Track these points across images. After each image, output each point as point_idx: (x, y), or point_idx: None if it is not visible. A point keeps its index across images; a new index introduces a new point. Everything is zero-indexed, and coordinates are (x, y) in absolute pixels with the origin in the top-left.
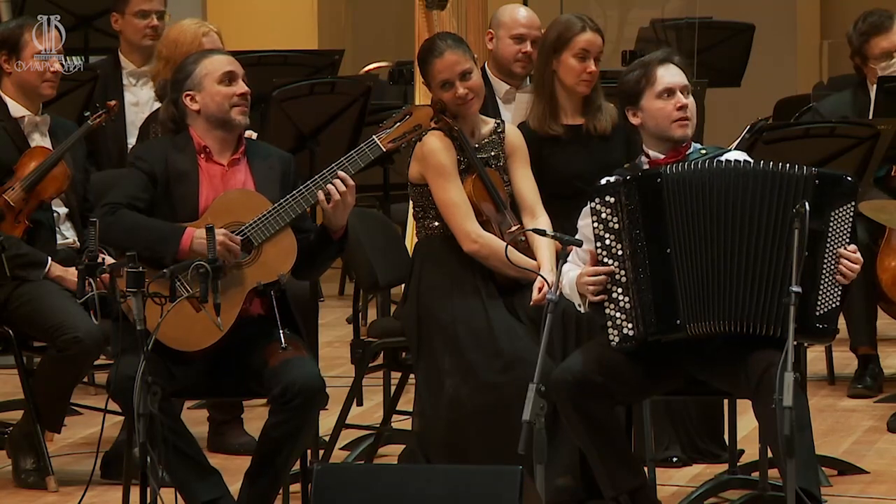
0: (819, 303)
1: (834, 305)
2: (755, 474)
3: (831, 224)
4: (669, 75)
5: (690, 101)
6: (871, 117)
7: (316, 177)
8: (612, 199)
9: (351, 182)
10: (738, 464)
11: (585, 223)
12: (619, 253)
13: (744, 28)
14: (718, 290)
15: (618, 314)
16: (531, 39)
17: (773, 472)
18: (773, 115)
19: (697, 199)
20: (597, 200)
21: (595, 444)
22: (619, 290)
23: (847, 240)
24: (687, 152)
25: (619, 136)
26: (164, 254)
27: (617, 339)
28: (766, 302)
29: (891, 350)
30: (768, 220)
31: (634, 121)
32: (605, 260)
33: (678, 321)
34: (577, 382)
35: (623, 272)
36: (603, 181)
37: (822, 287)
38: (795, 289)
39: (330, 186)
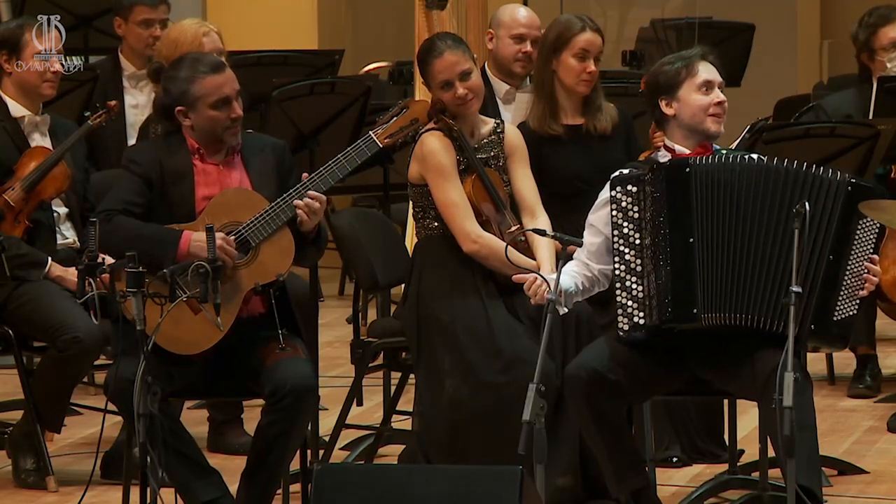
0: (838, 308)
1: (851, 313)
2: (755, 474)
3: (858, 232)
4: (709, 71)
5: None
6: (871, 117)
7: (313, 174)
8: (635, 189)
9: (322, 197)
10: (738, 464)
11: (598, 216)
12: (637, 242)
13: (744, 28)
14: (737, 284)
15: (629, 302)
16: (531, 39)
17: (774, 472)
18: (773, 115)
19: (725, 192)
20: (618, 189)
21: (605, 442)
22: (634, 278)
23: (871, 250)
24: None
25: (619, 136)
26: (162, 259)
27: (627, 327)
28: (783, 299)
29: (890, 350)
30: (795, 220)
31: (668, 111)
32: (621, 249)
33: (695, 310)
34: (591, 379)
35: (639, 261)
36: (625, 171)
37: (842, 293)
38: (795, 289)
39: (302, 204)
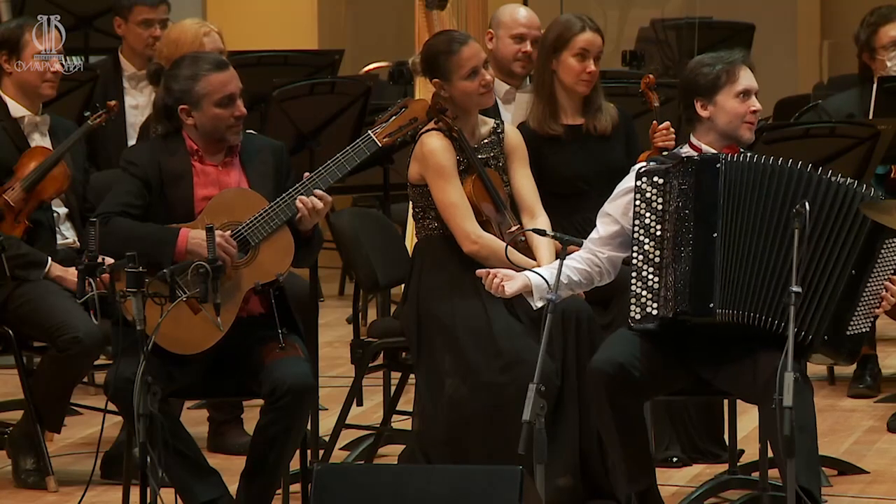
0: (853, 323)
1: (864, 330)
2: (755, 474)
3: (883, 251)
4: (749, 78)
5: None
6: (871, 117)
7: (313, 174)
8: (661, 181)
9: (329, 198)
10: (738, 464)
11: (615, 205)
12: (658, 234)
13: (744, 28)
14: (756, 283)
15: (644, 292)
16: (531, 39)
17: (774, 472)
18: (773, 115)
19: (753, 191)
20: (643, 180)
21: (622, 439)
22: (651, 269)
23: (893, 270)
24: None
25: (619, 136)
26: (160, 258)
27: (639, 316)
28: (799, 304)
29: (890, 350)
30: (822, 230)
31: (702, 113)
32: (641, 239)
33: (711, 304)
34: (618, 375)
35: (658, 252)
36: (651, 163)
37: (859, 309)
38: (795, 289)
39: (307, 202)
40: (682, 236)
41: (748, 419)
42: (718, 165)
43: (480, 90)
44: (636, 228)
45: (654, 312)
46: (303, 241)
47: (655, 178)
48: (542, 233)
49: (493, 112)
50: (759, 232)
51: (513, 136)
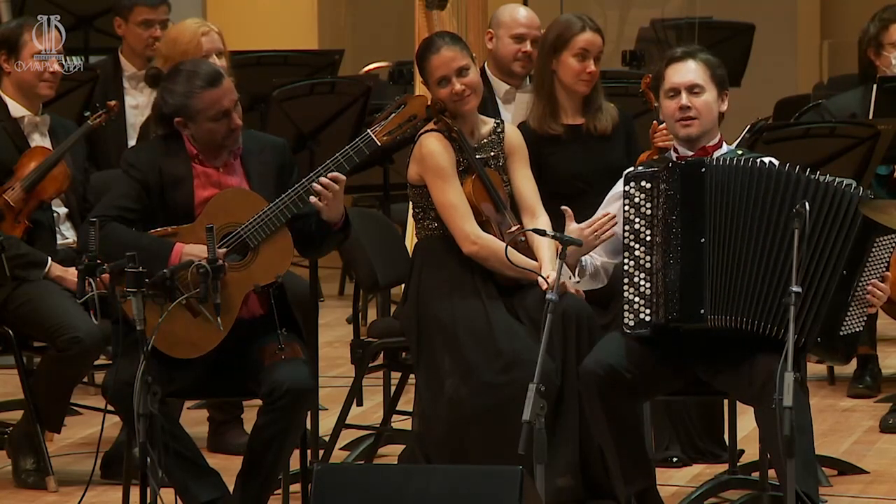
0: (846, 323)
1: (857, 329)
2: (755, 474)
3: (874, 250)
4: (679, 73)
5: (699, 100)
6: (871, 117)
7: (311, 174)
8: (649, 185)
9: (336, 185)
10: (738, 464)
11: (609, 210)
12: (648, 239)
13: (744, 28)
14: (746, 287)
15: (636, 298)
16: (531, 39)
17: (774, 473)
18: (773, 115)
19: (740, 195)
20: (632, 185)
21: (615, 439)
22: (642, 274)
23: (884, 268)
24: (715, 153)
25: (619, 136)
26: (152, 270)
27: (632, 322)
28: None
29: (890, 350)
30: (812, 231)
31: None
32: (631, 244)
33: (702, 311)
34: (607, 377)
35: (648, 258)
36: (640, 168)
37: (851, 308)
38: (795, 289)
39: (318, 187)
40: (671, 242)
41: (748, 419)
42: (703, 170)
43: (453, 97)
44: (626, 234)
45: (648, 319)
46: (337, 231)
47: (643, 183)
48: (541, 233)
49: (493, 112)
50: (750, 236)
51: (513, 136)
